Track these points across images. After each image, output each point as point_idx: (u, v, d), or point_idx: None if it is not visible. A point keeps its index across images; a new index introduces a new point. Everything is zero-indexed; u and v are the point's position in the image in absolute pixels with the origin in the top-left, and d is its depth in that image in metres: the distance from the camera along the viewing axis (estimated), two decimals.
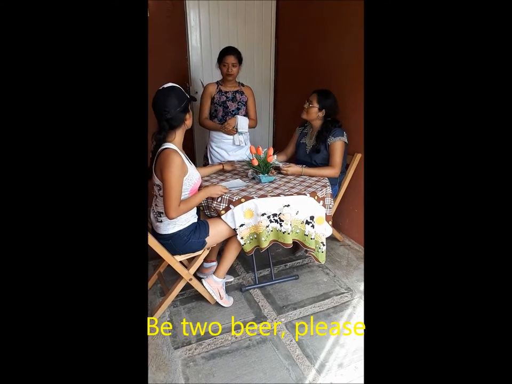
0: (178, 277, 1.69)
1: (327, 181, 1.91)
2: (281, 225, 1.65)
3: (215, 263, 1.97)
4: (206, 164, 2.40)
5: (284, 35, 2.95)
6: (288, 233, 1.66)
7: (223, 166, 1.98)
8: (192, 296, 1.85)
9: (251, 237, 1.68)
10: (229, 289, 1.91)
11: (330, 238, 2.45)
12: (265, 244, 1.66)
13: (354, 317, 1.73)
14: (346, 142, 2.05)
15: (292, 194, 1.66)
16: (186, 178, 1.49)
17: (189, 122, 1.54)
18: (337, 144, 1.99)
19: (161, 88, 1.46)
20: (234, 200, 1.62)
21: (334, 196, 2.20)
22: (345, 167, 2.19)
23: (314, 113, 2.02)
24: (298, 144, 2.22)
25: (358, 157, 2.21)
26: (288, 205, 1.62)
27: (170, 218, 1.47)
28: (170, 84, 1.47)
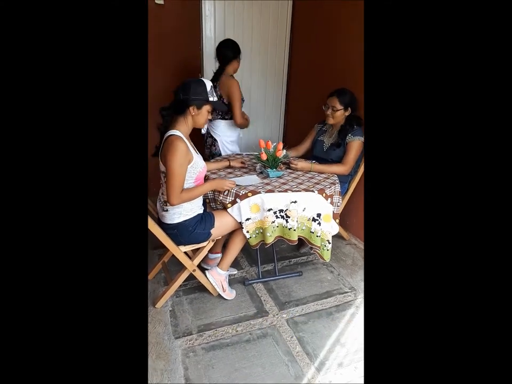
0: (182, 267, 1.69)
1: (336, 178, 1.88)
2: (287, 221, 1.64)
3: (220, 255, 1.97)
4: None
5: (299, 30, 2.89)
6: (294, 230, 1.64)
7: (229, 162, 1.95)
8: (195, 287, 1.85)
9: (257, 231, 1.67)
10: (232, 282, 1.91)
11: (337, 236, 2.43)
12: (270, 240, 1.65)
13: (357, 317, 1.71)
14: None
15: (299, 191, 1.64)
16: (191, 166, 1.50)
17: (196, 118, 1.51)
18: (355, 143, 1.98)
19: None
20: (241, 194, 1.61)
21: (343, 193, 2.18)
22: (358, 167, 2.16)
23: (341, 115, 2.02)
24: (316, 141, 2.20)
25: None
26: (295, 201, 1.61)
27: (171, 205, 1.49)
28: (203, 78, 1.52)
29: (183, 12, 2.60)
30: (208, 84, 1.50)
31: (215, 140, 2.32)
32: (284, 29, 2.93)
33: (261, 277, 1.94)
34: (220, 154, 2.32)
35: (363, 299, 1.84)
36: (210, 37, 2.75)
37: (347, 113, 2.01)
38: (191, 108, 1.48)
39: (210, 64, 2.83)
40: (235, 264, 2.08)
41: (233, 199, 1.63)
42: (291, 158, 2.00)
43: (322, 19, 2.56)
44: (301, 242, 2.02)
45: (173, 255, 1.64)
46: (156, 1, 2.45)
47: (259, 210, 1.62)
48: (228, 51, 2.13)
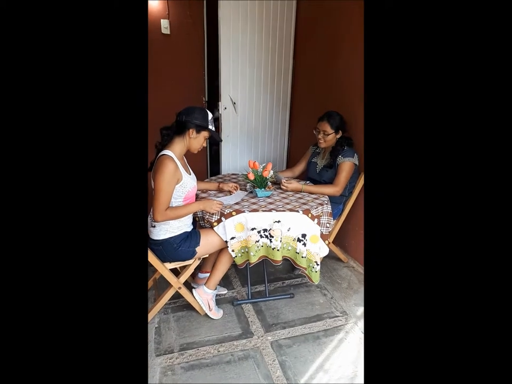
0: (171, 284, 1.71)
1: (326, 199, 1.87)
2: (271, 241, 1.64)
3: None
4: None
5: (301, 51, 2.97)
6: (278, 250, 1.63)
7: (219, 185, 1.93)
8: (184, 305, 1.86)
9: (242, 251, 1.68)
10: (221, 301, 1.91)
11: (335, 259, 2.39)
12: (254, 259, 1.65)
13: (345, 342, 1.65)
14: (356, 163, 2.02)
15: (284, 211, 1.65)
16: (179, 186, 1.55)
17: (193, 141, 1.59)
18: (346, 165, 1.97)
19: None
20: (226, 212, 1.63)
21: (338, 215, 2.15)
22: (353, 188, 2.14)
23: (333, 138, 2.03)
24: (310, 163, 2.22)
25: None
26: (279, 221, 1.61)
27: (156, 221, 1.54)
28: (206, 109, 1.63)
29: (188, 40, 2.76)
30: (210, 115, 1.60)
31: None
32: (289, 51, 3.00)
33: (250, 297, 1.93)
34: None
35: (354, 325, 1.77)
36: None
37: (338, 136, 2.02)
38: (190, 130, 1.55)
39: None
40: (227, 283, 2.09)
41: (218, 217, 1.65)
42: (285, 179, 2.02)
43: (323, 39, 2.60)
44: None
45: None
46: (163, 32, 2.62)
47: (243, 229, 1.64)
48: None
